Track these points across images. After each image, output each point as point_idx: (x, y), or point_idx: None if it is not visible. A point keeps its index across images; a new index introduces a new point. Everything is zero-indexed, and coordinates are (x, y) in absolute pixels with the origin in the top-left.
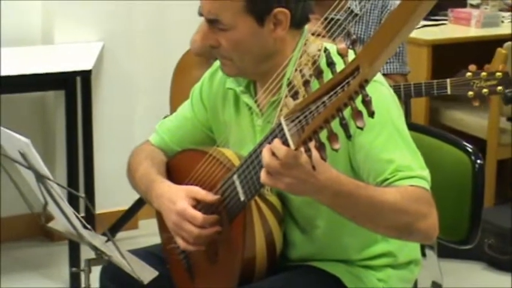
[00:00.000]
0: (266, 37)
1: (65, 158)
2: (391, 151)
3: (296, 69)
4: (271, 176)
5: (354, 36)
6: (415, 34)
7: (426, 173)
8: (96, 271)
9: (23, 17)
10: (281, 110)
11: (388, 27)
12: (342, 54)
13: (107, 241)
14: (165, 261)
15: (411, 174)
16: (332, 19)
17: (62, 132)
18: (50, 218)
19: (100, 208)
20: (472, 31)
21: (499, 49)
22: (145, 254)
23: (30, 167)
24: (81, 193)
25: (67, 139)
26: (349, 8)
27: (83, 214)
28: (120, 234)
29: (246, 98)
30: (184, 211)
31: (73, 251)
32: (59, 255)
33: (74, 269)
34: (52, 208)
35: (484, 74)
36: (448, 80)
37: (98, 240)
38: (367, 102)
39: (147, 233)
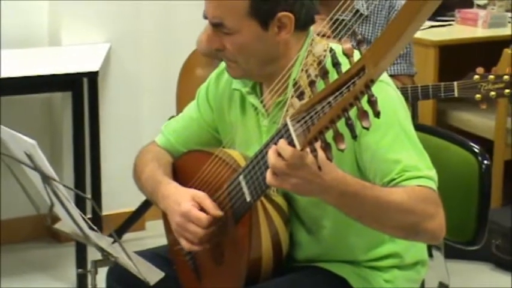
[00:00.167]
0: (270, 41)
1: (72, 159)
2: (397, 151)
3: (302, 70)
4: (277, 176)
5: (360, 36)
6: (421, 35)
7: (433, 173)
8: (102, 272)
9: (30, 18)
10: (287, 111)
11: (394, 27)
12: (348, 55)
13: (113, 242)
14: (172, 263)
15: (418, 174)
16: (338, 20)
17: (69, 133)
18: (56, 219)
19: (107, 209)
20: (479, 31)
21: (505, 50)
22: (152, 255)
23: (36, 168)
24: (88, 194)
25: (74, 140)
26: (355, 8)
27: (89, 215)
28: (127, 236)
29: (252, 99)
30: (188, 212)
31: (80, 252)
32: (66, 257)
33: (80, 270)
34: (58, 209)
35: (491, 77)
36: (455, 83)
37: (104, 241)
38: (372, 103)
39: (154, 234)
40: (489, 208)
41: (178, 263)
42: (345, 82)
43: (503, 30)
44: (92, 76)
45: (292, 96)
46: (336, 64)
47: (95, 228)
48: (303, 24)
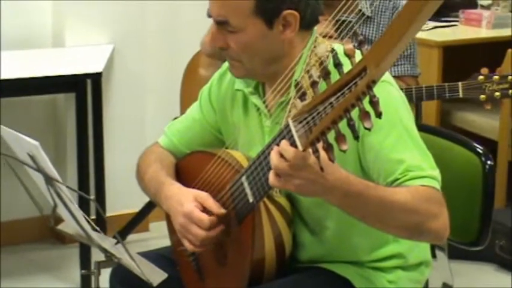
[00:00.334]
0: (275, 39)
1: (76, 160)
2: (401, 151)
3: (305, 70)
4: (280, 177)
5: (361, 37)
6: (425, 35)
7: (437, 172)
8: (106, 273)
9: (34, 20)
10: (290, 111)
11: (395, 27)
12: (349, 55)
13: (116, 243)
14: (175, 263)
15: (422, 174)
16: (342, 21)
17: (73, 135)
18: (59, 220)
19: (111, 210)
20: (483, 32)
21: (510, 50)
22: (156, 256)
23: (40, 169)
24: (92, 195)
25: (78, 141)
26: (359, 9)
27: (93, 216)
28: (131, 237)
29: (254, 99)
30: (191, 213)
31: (84, 254)
32: (70, 258)
33: (84, 271)
34: (61, 210)
35: (496, 77)
36: (459, 83)
37: (108, 242)
38: (374, 103)
39: (157, 236)
40: (493, 209)
41: (181, 264)
42: (347, 83)
43: (507, 31)
44: (96, 77)
45: (295, 97)
46: (338, 65)
47: (98, 229)
48: (307, 23)
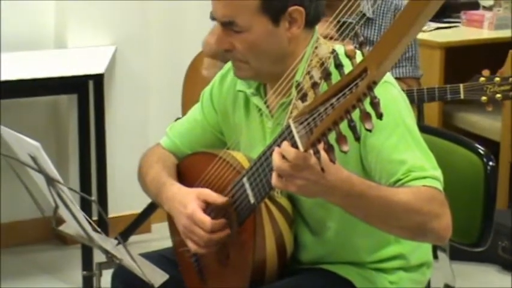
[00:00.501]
0: (281, 36)
1: (78, 161)
2: (403, 152)
3: (306, 72)
4: (282, 178)
5: (362, 38)
6: (427, 36)
7: (439, 173)
8: (108, 275)
9: (37, 21)
10: (291, 112)
11: (396, 28)
12: (350, 56)
13: (117, 244)
14: (177, 264)
15: (424, 175)
16: (344, 22)
17: (75, 136)
18: (61, 221)
19: (113, 212)
20: (485, 33)
21: (511, 51)
22: (157, 257)
23: (41, 170)
24: (94, 197)
25: (80, 143)
26: (361, 11)
27: (95, 218)
28: (133, 238)
29: (256, 100)
30: (193, 215)
31: (86, 255)
32: (72, 259)
33: (85, 273)
34: (63, 211)
35: (497, 79)
36: (461, 85)
37: (109, 243)
38: (375, 104)
39: (160, 237)
40: (494, 210)
41: (183, 265)
42: (348, 84)
43: (509, 32)
44: (98, 78)
45: (295, 98)
46: (339, 66)
47: (99, 230)
48: (311, 20)
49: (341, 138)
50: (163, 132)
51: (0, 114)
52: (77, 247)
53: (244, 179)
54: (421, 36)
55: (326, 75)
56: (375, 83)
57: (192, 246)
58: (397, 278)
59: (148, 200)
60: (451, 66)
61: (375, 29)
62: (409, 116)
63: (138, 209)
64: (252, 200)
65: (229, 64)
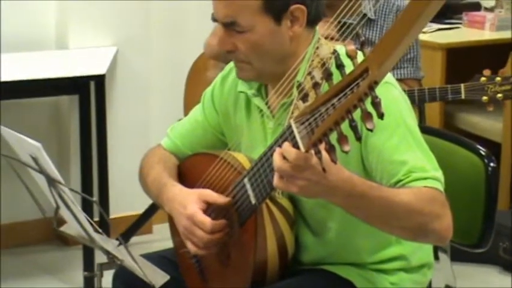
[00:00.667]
0: (283, 35)
1: (79, 162)
2: (404, 152)
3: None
4: (283, 179)
5: (363, 38)
6: (429, 37)
7: (440, 174)
8: (109, 275)
9: (38, 21)
10: (292, 113)
11: (397, 28)
12: (351, 56)
13: (118, 245)
14: (178, 265)
15: (425, 175)
16: (345, 23)
17: (76, 137)
18: (62, 222)
19: (114, 212)
20: (487, 34)
21: None
22: (159, 258)
23: (42, 171)
24: (95, 197)
25: (81, 143)
26: (362, 12)
27: (97, 218)
28: (134, 239)
29: (257, 101)
30: (193, 216)
31: (87, 255)
32: (74, 260)
33: (86, 273)
34: (64, 212)
35: (498, 79)
36: (462, 85)
37: (110, 244)
38: (376, 104)
39: (161, 238)
40: (496, 211)
41: (184, 266)
42: (349, 84)
43: (510, 33)
44: (99, 79)
45: (296, 99)
46: (340, 66)
47: (100, 231)
48: (313, 19)
49: (342, 138)
50: (164, 133)
51: (2, 115)
52: (78, 248)
53: (245, 180)
54: (422, 37)
55: (327, 76)
56: (376, 82)
57: (191, 247)
58: (397, 279)
59: (150, 201)
60: (453, 68)
61: (376, 30)
62: (410, 117)
63: (139, 209)
64: (253, 200)
65: (230, 65)
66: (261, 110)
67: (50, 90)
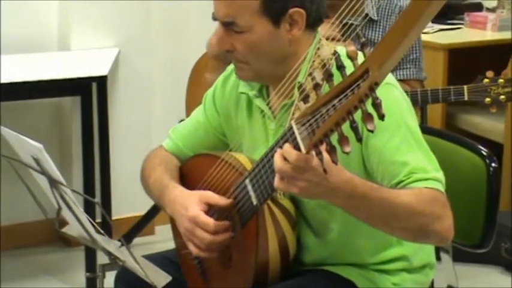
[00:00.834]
0: (282, 38)
1: (81, 163)
2: (405, 153)
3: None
4: (284, 180)
5: (364, 39)
6: (431, 38)
7: (441, 174)
8: (111, 276)
9: (40, 23)
10: (293, 114)
11: (397, 29)
12: (352, 57)
13: (120, 246)
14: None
15: (426, 176)
16: (347, 23)
17: (78, 138)
18: (64, 223)
19: (117, 214)
20: (488, 35)
21: None
22: (161, 259)
23: (44, 172)
24: (97, 199)
25: (83, 145)
26: (365, 13)
27: (99, 220)
28: (137, 240)
29: (258, 102)
30: (196, 217)
31: (89, 256)
32: (76, 260)
33: (88, 274)
34: (66, 213)
35: (501, 80)
36: (465, 86)
37: (112, 245)
38: (377, 105)
39: (163, 239)
40: (497, 211)
41: (186, 266)
42: (350, 85)
43: None
44: (101, 80)
45: (297, 100)
46: (340, 67)
47: (102, 232)
48: (313, 22)
49: (343, 139)
50: (166, 134)
51: (3, 116)
52: (80, 249)
53: (247, 181)
54: (424, 37)
55: (328, 77)
56: (377, 84)
57: (193, 249)
58: (399, 280)
59: (152, 202)
60: (455, 68)
61: (379, 31)
62: (411, 118)
63: (141, 211)
64: (254, 201)
65: (231, 66)
66: (262, 111)
67: (52, 92)
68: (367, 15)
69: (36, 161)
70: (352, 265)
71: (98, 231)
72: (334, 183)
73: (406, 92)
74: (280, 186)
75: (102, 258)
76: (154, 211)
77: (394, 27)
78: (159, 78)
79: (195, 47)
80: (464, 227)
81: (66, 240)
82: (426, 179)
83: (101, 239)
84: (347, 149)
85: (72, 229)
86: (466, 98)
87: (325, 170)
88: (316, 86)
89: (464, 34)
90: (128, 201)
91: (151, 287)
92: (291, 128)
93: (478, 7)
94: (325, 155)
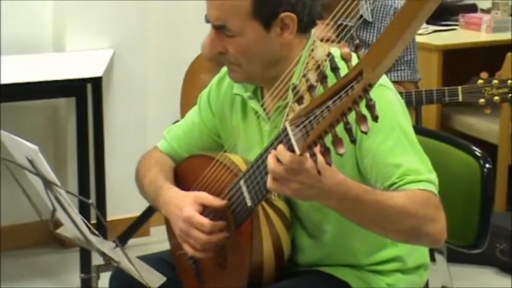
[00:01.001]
0: (273, 42)
1: (76, 164)
2: (398, 155)
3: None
4: (277, 181)
5: (357, 41)
6: (425, 39)
7: (434, 176)
8: (106, 277)
9: (35, 25)
10: (288, 115)
11: (391, 31)
12: (346, 59)
13: (115, 247)
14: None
15: (419, 178)
16: (341, 25)
17: (73, 139)
18: (58, 224)
19: (112, 215)
20: (483, 36)
21: (509, 54)
22: (156, 260)
23: (38, 173)
24: (92, 200)
25: (78, 146)
26: (360, 15)
27: (94, 221)
28: (132, 241)
29: (253, 104)
30: (191, 218)
31: (84, 258)
32: (71, 262)
33: (83, 275)
34: (60, 215)
35: (495, 81)
36: (459, 87)
37: (107, 246)
38: (371, 107)
39: (158, 240)
40: (491, 212)
41: (181, 267)
42: (343, 87)
43: (507, 35)
44: (96, 82)
45: (292, 101)
46: (335, 68)
47: (97, 233)
48: (305, 26)
49: (337, 141)
50: (161, 135)
51: None
52: (75, 250)
53: (241, 182)
54: (418, 39)
55: (322, 78)
56: (371, 85)
57: (188, 249)
58: (394, 280)
59: (147, 203)
60: (449, 69)
61: (373, 32)
62: (405, 119)
63: (136, 212)
64: (249, 202)
65: (226, 68)
66: (256, 112)
67: (47, 93)
68: (361, 16)
69: (31, 162)
70: (347, 266)
71: (92, 233)
72: (328, 185)
73: (401, 93)
74: (273, 187)
75: (97, 260)
76: (149, 212)
77: (389, 28)
78: (154, 79)
79: (190, 48)
80: (459, 228)
81: (61, 242)
82: (419, 181)
83: (96, 240)
84: (341, 151)
85: (67, 230)
86: (460, 99)
87: (319, 172)
88: (310, 88)
89: (459, 35)
90: (123, 202)
91: None
92: (285, 129)
93: (473, 8)
94: (319, 157)
